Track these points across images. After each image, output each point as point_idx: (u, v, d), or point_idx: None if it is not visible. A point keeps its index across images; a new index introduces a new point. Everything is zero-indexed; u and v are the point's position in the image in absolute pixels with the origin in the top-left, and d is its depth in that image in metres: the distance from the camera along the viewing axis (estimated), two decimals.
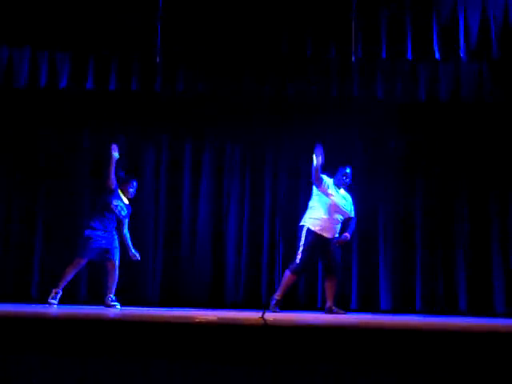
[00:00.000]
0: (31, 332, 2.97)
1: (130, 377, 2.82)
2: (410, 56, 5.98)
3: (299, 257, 5.62)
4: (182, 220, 7.20)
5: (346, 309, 6.27)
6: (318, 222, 5.71)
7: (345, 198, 5.84)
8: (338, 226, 5.79)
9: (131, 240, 6.24)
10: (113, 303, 6.05)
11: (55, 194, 7.00)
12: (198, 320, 3.68)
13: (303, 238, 5.63)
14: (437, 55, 5.95)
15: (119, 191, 6.19)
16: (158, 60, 6.11)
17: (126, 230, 6.25)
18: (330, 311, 5.69)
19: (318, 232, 5.69)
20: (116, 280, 6.11)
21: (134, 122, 7.25)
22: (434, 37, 5.91)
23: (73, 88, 6.45)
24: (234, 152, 7.31)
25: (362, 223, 7.06)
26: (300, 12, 5.98)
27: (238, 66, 6.49)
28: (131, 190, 6.24)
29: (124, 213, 6.20)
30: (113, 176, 6.06)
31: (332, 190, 5.77)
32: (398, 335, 3.02)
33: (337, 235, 5.78)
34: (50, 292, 5.88)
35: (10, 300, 6.27)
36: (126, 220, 6.26)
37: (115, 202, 6.11)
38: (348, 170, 5.88)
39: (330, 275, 5.79)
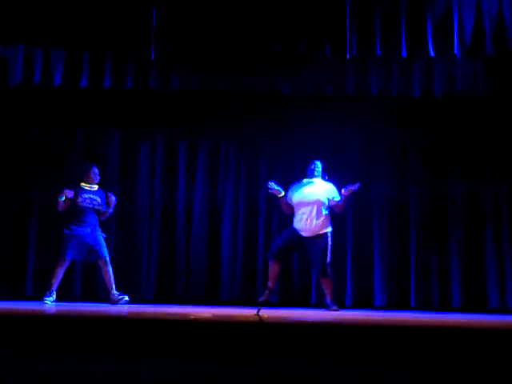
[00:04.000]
0: (25, 330, 2.96)
1: (124, 373, 2.82)
2: (404, 53, 5.97)
3: (328, 259, 6.01)
4: (177, 217, 7.18)
5: (341, 306, 6.27)
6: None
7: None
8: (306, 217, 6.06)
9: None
10: (120, 297, 6.08)
11: (49, 191, 6.97)
12: (192, 317, 3.68)
13: (330, 242, 6.04)
14: (431, 52, 5.95)
15: (83, 184, 6.27)
16: (152, 57, 6.10)
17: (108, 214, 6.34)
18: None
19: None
20: (111, 275, 6.15)
21: (129, 119, 7.22)
22: (429, 34, 5.90)
23: (67, 85, 6.43)
24: (228, 150, 7.30)
25: (356, 220, 7.11)
26: (294, 9, 5.97)
27: (233, 63, 6.47)
28: (94, 175, 6.30)
29: (97, 201, 6.24)
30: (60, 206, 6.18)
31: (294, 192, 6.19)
32: (393, 332, 3.02)
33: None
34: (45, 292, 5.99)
35: (3, 298, 6.25)
36: (109, 209, 6.30)
37: (81, 198, 6.18)
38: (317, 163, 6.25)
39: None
